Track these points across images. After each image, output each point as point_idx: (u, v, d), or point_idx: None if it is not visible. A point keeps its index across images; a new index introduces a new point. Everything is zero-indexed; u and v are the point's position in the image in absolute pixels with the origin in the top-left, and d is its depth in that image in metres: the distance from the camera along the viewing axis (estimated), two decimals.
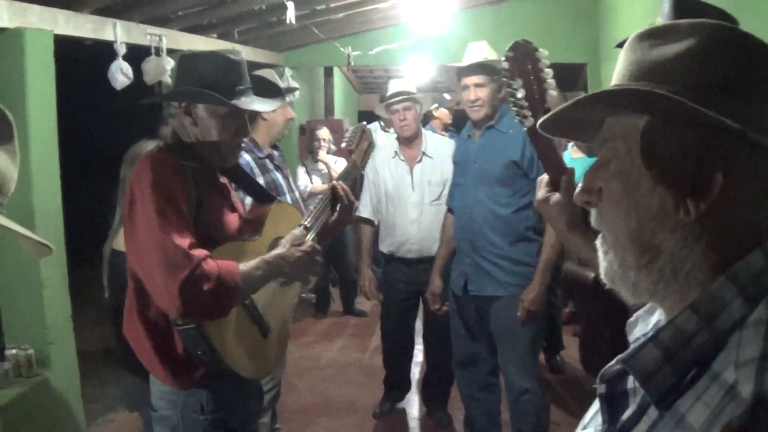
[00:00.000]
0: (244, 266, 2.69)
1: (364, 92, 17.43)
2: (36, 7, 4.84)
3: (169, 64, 6.36)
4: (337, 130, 9.55)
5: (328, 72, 12.07)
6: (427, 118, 9.37)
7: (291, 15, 6.03)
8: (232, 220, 2.97)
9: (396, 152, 5.70)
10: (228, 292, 2.60)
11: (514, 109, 2.22)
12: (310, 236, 2.95)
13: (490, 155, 4.50)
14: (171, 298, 2.51)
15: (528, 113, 2.16)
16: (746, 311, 0.98)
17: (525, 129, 2.22)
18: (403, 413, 6.26)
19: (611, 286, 1.17)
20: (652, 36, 1.11)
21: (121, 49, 5.80)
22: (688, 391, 1.00)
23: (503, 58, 2.23)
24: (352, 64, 8.97)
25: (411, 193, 5.59)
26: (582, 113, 1.16)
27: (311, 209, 3.13)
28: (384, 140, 8.72)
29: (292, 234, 2.91)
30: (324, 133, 8.58)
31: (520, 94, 2.17)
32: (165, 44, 6.47)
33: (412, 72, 10.96)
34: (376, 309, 9.07)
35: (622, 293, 1.16)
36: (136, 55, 6.16)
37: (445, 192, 5.41)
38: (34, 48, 4.82)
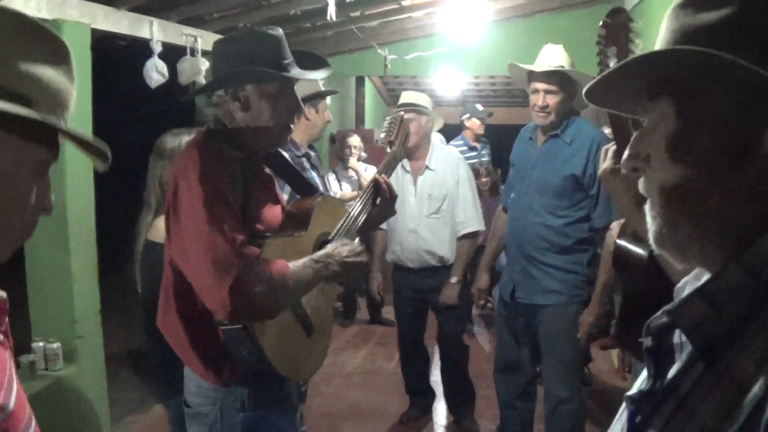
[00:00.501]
0: (294, 266, 2.60)
1: (393, 105, 17.42)
2: (75, 1, 4.85)
3: (204, 65, 6.38)
4: (367, 140, 9.56)
5: (360, 81, 12.09)
6: (458, 129, 9.35)
7: (332, 10, 6.00)
8: (276, 212, 2.87)
9: (403, 164, 5.68)
10: (279, 294, 2.53)
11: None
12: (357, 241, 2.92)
13: (551, 165, 4.44)
14: (220, 301, 2.42)
15: None
16: None
17: None
18: (429, 420, 6.21)
19: (659, 251, 1.15)
20: (694, 3, 1.09)
21: (157, 48, 5.81)
22: (734, 344, 1.00)
23: (599, 26, 2.16)
24: (389, 67, 8.92)
25: (412, 203, 5.61)
26: (629, 80, 1.13)
27: (354, 203, 3.10)
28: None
29: (341, 241, 2.84)
30: (355, 140, 8.57)
31: (611, 63, 2.09)
32: (200, 45, 6.48)
33: (442, 83, 10.95)
34: None
35: (670, 258, 1.14)
36: (170, 55, 6.16)
37: (444, 207, 5.52)
38: (72, 41, 4.75)
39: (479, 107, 9.31)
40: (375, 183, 3.16)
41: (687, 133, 1.07)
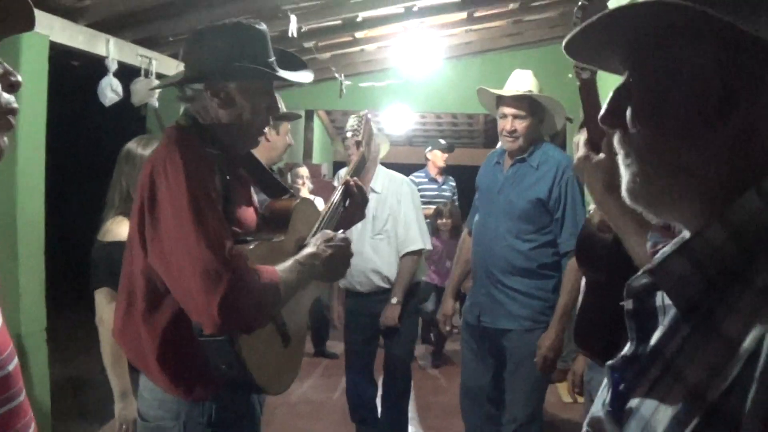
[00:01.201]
0: (282, 271, 2.47)
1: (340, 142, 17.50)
2: (34, 11, 4.77)
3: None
4: (315, 175, 9.56)
5: (309, 116, 12.10)
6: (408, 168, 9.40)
7: (293, 28, 6.00)
8: (251, 215, 2.76)
9: None
10: (270, 302, 2.42)
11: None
12: (339, 235, 2.80)
13: (518, 189, 4.45)
14: (210, 314, 2.24)
15: (588, 66, 2.10)
16: None
17: (580, 80, 2.20)
18: None
19: (632, 203, 1.15)
20: None
21: (113, 66, 5.77)
22: (720, 303, 0.99)
23: (577, 7, 2.15)
24: (344, 92, 8.93)
25: (357, 226, 5.53)
26: (608, 33, 1.13)
27: (325, 207, 3.02)
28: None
29: (323, 234, 2.73)
30: (304, 170, 8.55)
31: None
32: (154, 67, 6.44)
33: (391, 119, 11.00)
34: None
35: (643, 210, 1.14)
36: (123, 74, 6.12)
37: (388, 227, 5.47)
38: (30, 51, 4.77)
39: (441, 141, 9.37)
40: (346, 185, 3.08)
41: (664, 89, 1.07)
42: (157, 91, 6.30)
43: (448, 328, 5.14)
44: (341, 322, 6.04)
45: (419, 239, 5.49)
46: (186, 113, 2.64)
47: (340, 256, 2.72)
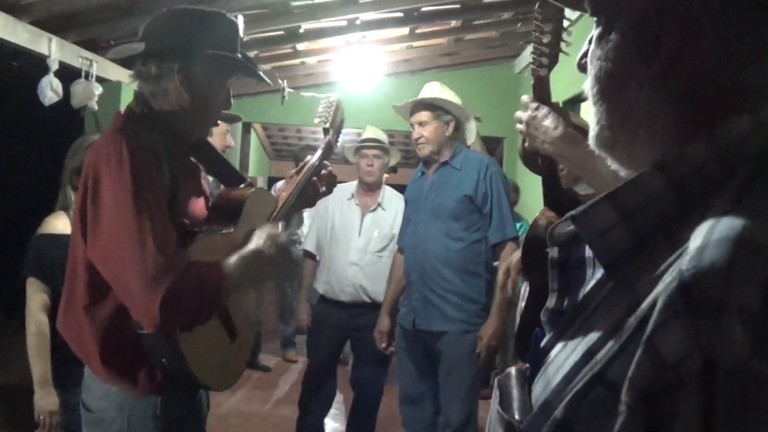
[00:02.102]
0: (227, 267, 2.38)
1: (274, 158, 17.40)
2: None
3: (98, 89, 6.28)
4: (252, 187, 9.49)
5: (246, 128, 12.02)
6: None
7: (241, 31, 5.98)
8: (201, 205, 2.67)
9: (353, 194, 5.70)
10: (212, 301, 2.34)
11: (533, 55, 2.20)
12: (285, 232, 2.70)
13: (444, 191, 4.54)
14: (149, 313, 2.17)
15: (546, 61, 2.16)
16: (724, 176, 0.90)
17: (535, 76, 2.22)
18: None
19: (598, 150, 1.10)
20: None
21: (54, 65, 5.70)
22: (644, 259, 0.92)
23: (537, 4, 2.19)
24: (286, 98, 8.88)
25: (357, 237, 5.58)
26: None
27: (284, 196, 2.92)
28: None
29: (268, 230, 2.60)
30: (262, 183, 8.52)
31: (546, 39, 2.15)
32: (95, 70, 6.37)
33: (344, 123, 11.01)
34: (279, 365, 9.00)
35: (605, 156, 1.10)
36: (63, 76, 6.04)
37: (390, 246, 5.47)
38: None
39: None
40: (319, 167, 3.03)
41: (606, 27, 1.05)
42: (97, 93, 6.24)
43: (383, 345, 5.11)
44: (307, 324, 5.95)
45: None
46: (138, 97, 2.52)
47: (283, 255, 2.64)
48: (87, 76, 6.32)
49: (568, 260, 1.10)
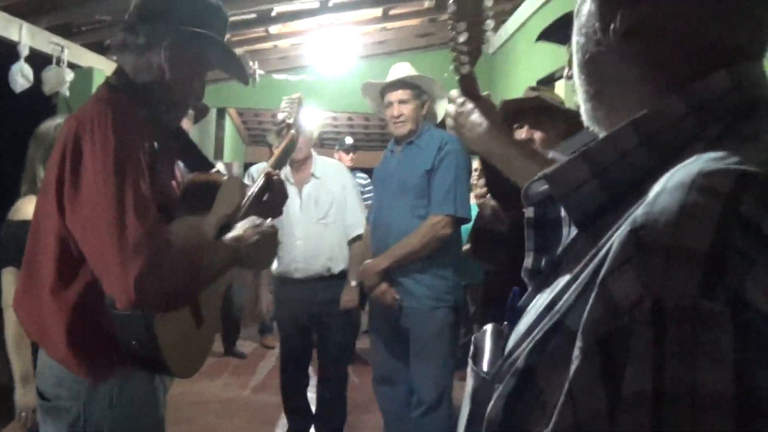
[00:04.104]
0: (207, 252, 2.35)
1: (251, 143, 17.36)
2: None
3: (69, 75, 6.25)
4: (226, 173, 9.46)
5: (221, 114, 11.97)
6: None
7: None
8: (174, 188, 2.59)
9: (286, 176, 5.65)
10: (190, 281, 2.28)
11: (453, 54, 2.12)
12: (267, 222, 2.65)
13: (408, 168, 4.55)
14: (125, 287, 2.09)
15: (466, 59, 2.09)
16: (699, 130, 0.91)
17: (459, 76, 2.16)
18: None
19: (590, 125, 1.14)
20: None
21: (24, 51, 5.65)
22: (613, 216, 0.92)
23: (450, 2, 2.10)
24: (257, 81, 8.82)
25: (298, 213, 5.53)
26: None
27: (248, 194, 2.83)
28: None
29: (251, 220, 2.58)
30: (219, 166, 8.46)
31: (462, 39, 2.07)
32: (66, 56, 6.33)
33: (305, 120, 10.96)
34: (258, 351, 9.01)
35: (598, 130, 1.12)
36: (34, 62, 6.00)
37: (332, 211, 5.45)
38: None
39: (348, 140, 9.36)
40: (267, 178, 2.90)
41: (579, 5, 1.10)
42: (68, 80, 6.20)
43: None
44: (270, 312, 5.99)
45: (363, 224, 5.46)
46: (118, 72, 2.45)
47: (267, 244, 2.59)
48: (58, 62, 6.29)
49: (545, 219, 1.12)
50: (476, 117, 2.11)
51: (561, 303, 0.90)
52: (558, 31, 2.42)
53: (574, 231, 1.05)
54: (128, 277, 2.08)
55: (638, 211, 0.80)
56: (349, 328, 5.72)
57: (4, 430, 4.88)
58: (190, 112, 4.68)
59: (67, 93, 6.26)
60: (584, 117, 1.13)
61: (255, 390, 7.62)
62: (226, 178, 2.74)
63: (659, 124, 0.93)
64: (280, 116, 3.30)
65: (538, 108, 3.44)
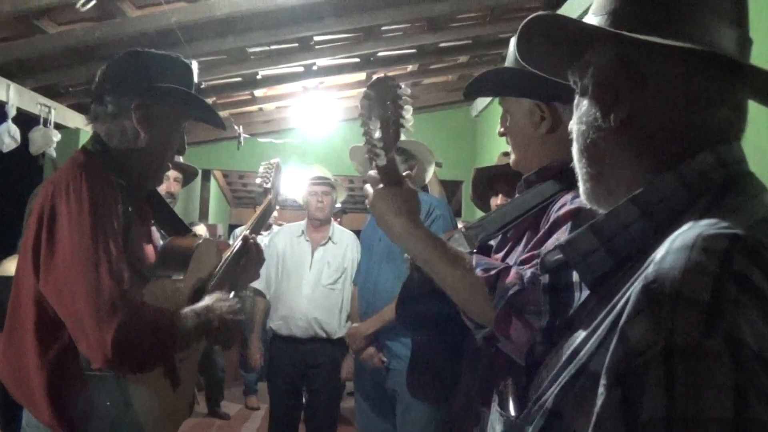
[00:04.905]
0: (179, 318, 2.36)
1: (235, 205, 17.39)
2: None
3: (56, 136, 6.30)
4: (211, 234, 9.49)
5: (206, 176, 12.02)
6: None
7: (195, 73, 6.01)
8: (150, 251, 2.63)
9: (303, 231, 5.77)
10: (164, 344, 2.30)
11: (366, 147, 2.09)
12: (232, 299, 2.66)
13: None
14: (100, 348, 2.12)
15: (381, 152, 2.09)
16: (689, 203, 1.08)
17: (376, 168, 2.16)
18: None
19: (589, 204, 1.28)
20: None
21: (12, 112, 5.71)
22: (622, 277, 1.08)
23: (361, 98, 2.11)
24: (242, 143, 8.88)
25: (308, 272, 5.61)
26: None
27: (223, 257, 2.88)
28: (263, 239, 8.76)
29: (217, 296, 2.58)
30: (201, 229, 8.50)
31: (377, 135, 2.08)
32: (53, 117, 6.39)
33: (289, 181, 11.01)
34: (241, 413, 8.95)
35: (596, 207, 1.26)
36: (21, 122, 6.05)
37: (342, 279, 5.52)
38: None
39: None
40: (244, 241, 2.94)
41: (581, 94, 1.25)
42: (55, 140, 6.25)
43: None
44: (260, 361, 5.99)
45: None
46: (94, 138, 2.51)
47: (233, 322, 2.59)
48: (45, 122, 6.35)
49: (558, 284, 1.27)
50: (396, 207, 2.10)
51: (583, 352, 1.05)
52: (485, 86, 2.45)
53: (584, 294, 1.21)
54: (105, 336, 2.11)
55: (649, 270, 0.94)
56: (336, 390, 5.75)
57: None
58: (180, 175, 4.77)
59: (54, 153, 6.30)
60: (583, 195, 1.27)
61: None
62: (201, 241, 2.76)
63: (656, 198, 1.10)
64: (258, 181, 3.37)
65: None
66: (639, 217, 1.10)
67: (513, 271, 1.96)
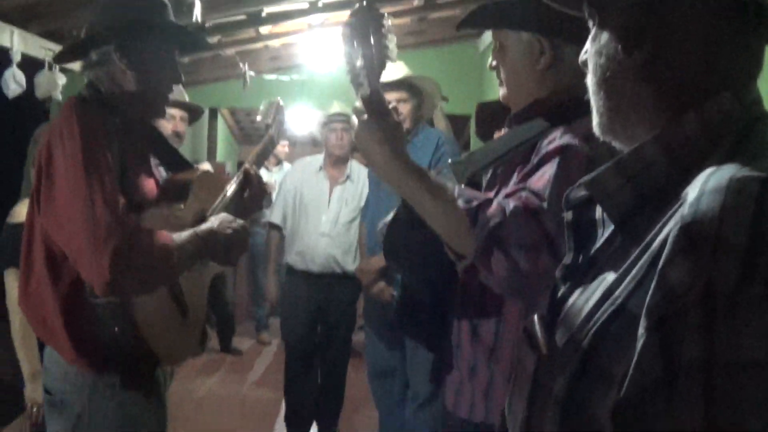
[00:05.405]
0: (178, 238, 2.45)
1: (244, 143, 17.34)
2: None
3: (62, 80, 6.29)
4: (218, 173, 9.52)
5: (213, 114, 11.98)
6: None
7: (197, 12, 5.96)
8: (152, 185, 2.70)
9: (321, 167, 5.81)
10: (161, 266, 2.39)
11: (350, 76, 2.09)
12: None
13: None
14: (99, 272, 2.23)
15: (364, 81, 2.07)
16: (711, 145, 1.09)
17: (361, 99, 2.13)
18: None
19: (603, 137, 1.29)
20: None
21: (17, 57, 5.71)
22: (650, 215, 1.09)
23: (343, 25, 2.10)
24: (248, 83, 8.85)
25: (326, 209, 5.68)
26: None
27: (226, 189, 2.98)
28: (266, 177, 8.80)
29: (222, 216, 2.69)
30: (206, 167, 8.51)
31: (359, 63, 2.07)
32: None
33: (295, 119, 11.02)
34: (254, 348, 9.06)
35: (611, 140, 1.28)
36: (26, 67, 6.04)
37: (358, 218, 5.58)
38: None
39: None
40: (245, 174, 3.04)
41: (600, 27, 1.25)
42: (61, 84, 6.25)
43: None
44: (277, 296, 6.06)
45: None
46: (88, 84, 2.62)
47: (238, 240, 2.69)
48: (50, 66, 6.32)
49: (581, 221, 1.28)
50: (379, 137, 2.08)
51: (618, 292, 1.06)
52: (480, 18, 2.42)
53: (607, 231, 1.22)
54: (102, 260, 2.23)
55: (685, 211, 0.95)
56: (350, 325, 5.86)
57: (11, 425, 4.95)
58: (186, 114, 4.79)
59: (60, 97, 6.31)
60: (597, 128, 1.28)
61: (252, 387, 7.69)
62: (200, 173, 2.87)
63: (679, 137, 1.12)
64: (258, 118, 3.44)
65: None
66: (663, 155, 1.12)
67: (495, 203, 1.97)
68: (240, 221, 2.72)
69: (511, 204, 1.94)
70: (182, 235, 2.49)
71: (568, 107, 2.15)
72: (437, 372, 2.69)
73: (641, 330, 0.94)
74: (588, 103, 1.28)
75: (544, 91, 2.25)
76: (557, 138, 2.08)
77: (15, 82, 5.67)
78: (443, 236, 2.07)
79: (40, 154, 2.43)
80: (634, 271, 1.05)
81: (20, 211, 3.53)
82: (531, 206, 1.93)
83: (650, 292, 0.94)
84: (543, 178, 2.01)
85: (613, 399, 0.96)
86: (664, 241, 0.97)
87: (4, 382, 3.88)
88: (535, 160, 2.10)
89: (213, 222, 2.64)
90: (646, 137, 1.16)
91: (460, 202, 2.00)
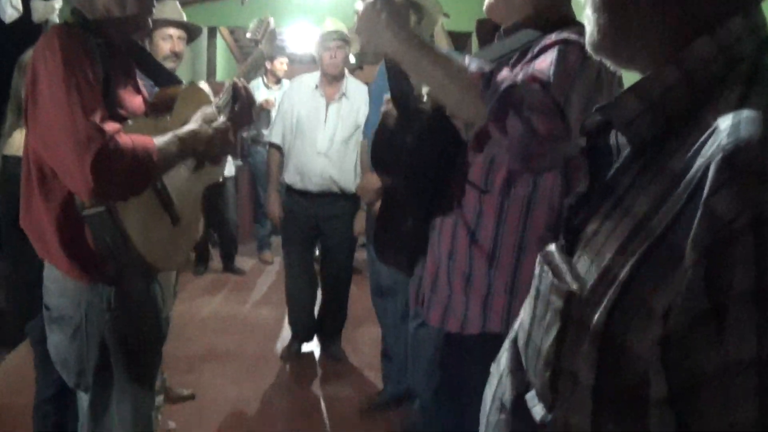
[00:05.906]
0: (158, 140, 2.55)
1: (244, 62, 17.23)
2: None
3: (58, 3, 6.23)
4: (217, 93, 9.45)
5: (212, 33, 11.87)
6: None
7: None
8: (138, 101, 2.77)
9: (317, 85, 5.79)
10: (143, 167, 2.49)
11: None
12: (221, 119, 2.87)
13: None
14: (83, 177, 2.34)
15: None
16: (726, 70, 1.08)
17: None
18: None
19: (595, 55, 1.27)
20: None
21: None
22: (672, 141, 1.09)
23: None
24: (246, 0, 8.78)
25: (323, 127, 5.68)
26: None
27: (217, 99, 3.07)
28: (265, 95, 8.78)
29: (202, 111, 2.82)
30: (205, 86, 8.47)
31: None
32: None
33: (295, 37, 10.91)
34: (256, 267, 9.14)
35: (606, 59, 1.26)
36: None
37: (356, 136, 5.57)
38: None
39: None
40: (234, 87, 3.14)
41: None
42: (57, 8, 6.21)
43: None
44: (279, 214, 6.04)
45: None
46: (73, 11, 2.66)
47: (221, 138, 2.81)
48: None
49: (596, 148, 1.28)
50: (385, 17, 2.10)
51: (654, 222, 1.03)
52: None
53: (621, 158, 1.22)
54: (84, 166, 2.32)
55: (723, 140, 0.94)
56: (350, 241, 5.88)
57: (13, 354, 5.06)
58: (183, 34, 4.77)
59: (57, 20, 6.26)
60: (591, 45, 1.26)
61: (254, 305, 7.78)
62: (185, 86, 2.96)
63: (695, 62, 1.10)
64: (248, 36, 3.55)
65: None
66: (681, 79, 1.10)
67: (505, 70, 2.02)
68: (222, 119, 2.83)
69: (520, 75, 2.00)
70: (164, 137, 2.60)
71: (556, 24, 2.22)
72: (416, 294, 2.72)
73: (687, 262, 0.93)
74: (576, 22, 1.26)
75: (534, 4, 2.31)
76: (554, 35, 2.14)
77: (12, 6, 5.62)
78: (452, 104, 2.12)
79: (28, 78, 2.50)
80: (670, 203, 1.01)
81: (15, 143, 3.57)
82: (539, 78, 1.99)
83: (695, 224, 0.92)
84: (546, 60, 2.06)
85: (655, 333, 0.97)
86: (703, 172, 0.95)
87: (5, 311, 3.94)
88: (535, 50, 2.17)
89: (194, 121, 2.76)
90: (648, 61, 1.17)
91: (472, 67, 2.04)
